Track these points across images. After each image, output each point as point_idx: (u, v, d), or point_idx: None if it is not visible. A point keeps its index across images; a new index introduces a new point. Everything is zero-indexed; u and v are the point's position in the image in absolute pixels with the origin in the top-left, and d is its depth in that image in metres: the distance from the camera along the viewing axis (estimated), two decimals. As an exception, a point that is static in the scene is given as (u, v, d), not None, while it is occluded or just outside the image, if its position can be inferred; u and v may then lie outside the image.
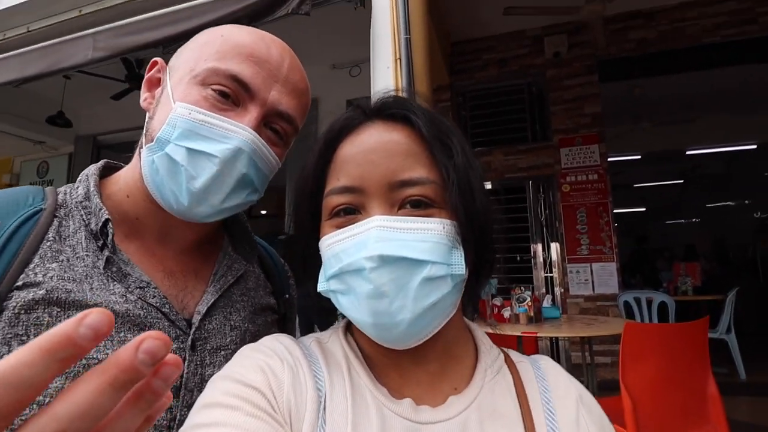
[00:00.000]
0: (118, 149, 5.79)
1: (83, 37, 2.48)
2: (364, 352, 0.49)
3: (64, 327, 0.17)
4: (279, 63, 0.58)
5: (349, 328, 0.53)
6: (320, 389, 0.44)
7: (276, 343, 0.48)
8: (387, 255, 0.41)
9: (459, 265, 0.44)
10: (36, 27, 2.68)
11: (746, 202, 9.66)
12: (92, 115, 5.37)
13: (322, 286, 0.48)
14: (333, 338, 0.52)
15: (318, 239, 0.50)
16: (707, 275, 5.50)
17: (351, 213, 0.46)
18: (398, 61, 1.71)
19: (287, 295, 0.76)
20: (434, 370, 0.48)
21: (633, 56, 4.41)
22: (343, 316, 0.55)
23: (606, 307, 4.06)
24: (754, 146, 7.22)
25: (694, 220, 10.91)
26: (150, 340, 0.18)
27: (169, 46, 2.95)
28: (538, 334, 2.12)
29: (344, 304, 0.45)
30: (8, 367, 0.16)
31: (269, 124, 0.59)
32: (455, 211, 0.44)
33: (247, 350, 0.48)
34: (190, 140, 0.54)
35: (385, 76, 1.73)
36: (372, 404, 0.44)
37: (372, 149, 0.46)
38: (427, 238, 0.43)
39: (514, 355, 0.54)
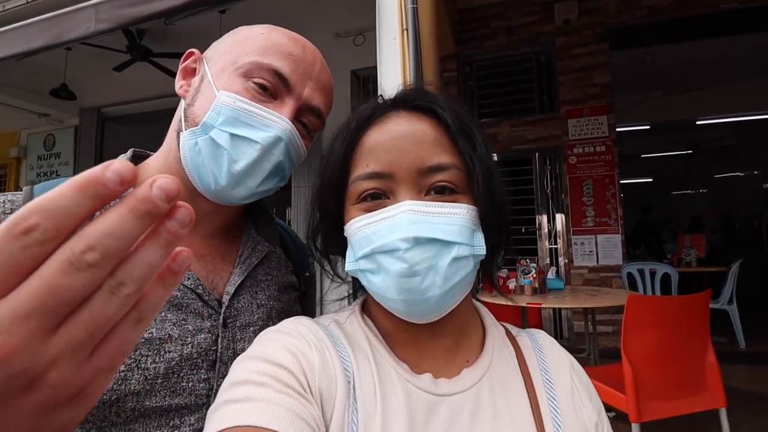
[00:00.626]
0: (123, 121, 5.77)
1: (85, 9, 2.44)
2: (382, 330, 0.52)
3: (93, 170, 0.19)
4: (312, 63, 0.64)
5: (365, 309, 0.56)
6: (347, 369, 0.47)
7: (299, 326, 0.50)
8: (420, 236, 0.44)
9: (480, 246, 0.48)
10: (35, -2, 2.64)
11: (755, 172, 9.54)
12: (95, 87, 5.32)
13: (350, 266, 0.50)
14: (350, 319, 0.54)
15: (340, 221, 0.53)
16: (712, 247, 5.52)
17: (378, 198, 0.48)
18: (405, 32, 1.68)
19: (307, 273, 0.80)
20: (448, 344, 0.51)
21: (644, 24, 4.28)
22: (358, 297, 0.59)
23: (610, 278, 4.11)
24: (766, 116, 7.07)
25: (701, 191, 10.82)
26: (162, 178, 0.20)
27: (171, 17, 2.90)
28: (543, 305, 2.17)
29: (375, 281, 0.48)
30: (47, 197, 0.18)
31: (299, 117, 0.63)
32: (477, 196, 0.48)
33: (270, 332, 0.50)
34: (234, 126, 0.58)
35: (391, 47, 1.70)
36: (397, 381, 0.47)
37: (401, 137, 0.48)
38: (454, 222, 0.46)
39: (512, 329, 0.59)
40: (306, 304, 0.80)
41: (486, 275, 0.54)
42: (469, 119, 0.51)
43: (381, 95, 0.55)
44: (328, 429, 0.43)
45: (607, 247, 4.13)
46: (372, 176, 0.48)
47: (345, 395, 0.45)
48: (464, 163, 0.48)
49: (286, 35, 0.64)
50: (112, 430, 0.52)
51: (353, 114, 0.54)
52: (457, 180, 0.48)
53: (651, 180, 10.64)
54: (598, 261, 4.15)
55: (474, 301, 0.58)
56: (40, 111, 5.45)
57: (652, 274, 4.14)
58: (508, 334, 0.57)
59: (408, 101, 0.52)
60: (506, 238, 0.53)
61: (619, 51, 4.35)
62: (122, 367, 0.51)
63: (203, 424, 0.55)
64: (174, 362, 0.55)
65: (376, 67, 1.66)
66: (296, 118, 0.62)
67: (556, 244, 4.33)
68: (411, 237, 0.44)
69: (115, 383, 0.51)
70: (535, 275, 2.48)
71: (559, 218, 4.32)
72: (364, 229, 0.47)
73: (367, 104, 0.54)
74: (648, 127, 7.40)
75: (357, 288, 0.59)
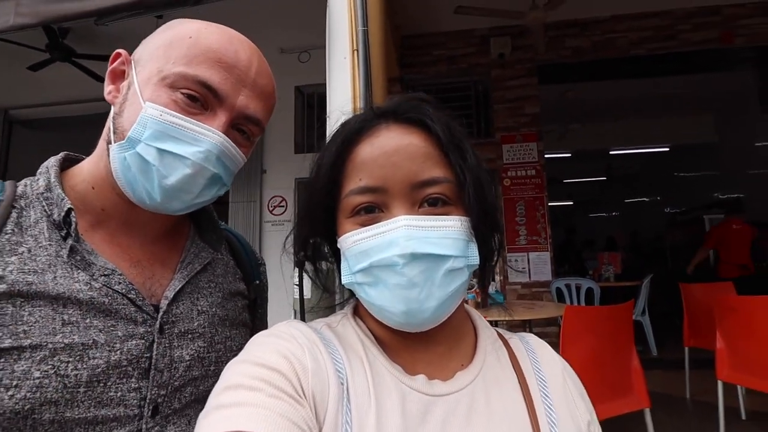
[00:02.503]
0: (34, 126, 5.23)
1: (4, 0, 2.22)
2: (375, 336, 0.52)
3: None
4: (247, 67, 0.59)
5: (357, 314, 0.56)
6: (340, 372, 0.47)
7: (292, 329, 0.50)
8: (417, 252, 0.45)
9: (474, 256, 0.49)
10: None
11: (658, 198, 10.78)
12: (4, 85, 4.79)
13: (347, 279, 0.50)
14: (343, 322, 0.54)
15: (330, 233, 0.53)
16: (625, 264, 6.09)
17: (372, 211, 0.49)
18: (355, 52, 1.72)
19: (257, 281, 0.78)
20: (442, 351, 0.52)
21: (568, 62, 4.75)
22: (350, 302, 0.58)
23: (540, 293, 4.38)
24: (667, 148, 8.08)
25: (614, 213, 11.99)
26: None
27: (104, 18, 2.71)
28: (488, 318, 2.25)
29: (372, 294, 0.48)
30: None
31: (237, 126, 0.60)
32: (469, 208, 0.49)
33: (262, 336, 0.49)
34: (161, 141, 0.54)
35: (342, 67, 1.72)
36: (391, 382, 0.47)
37: (393, 151, 0.48)
38: (448, 235, 0.47)
39: (504, 332, 0.60)
40: (256, 314, 0.77)
41: (479, 284, 0.56)
42: (458, 131, 0.51)
43: (371, 106, 0.54)
44: (322, 427, 0.43)
45: (538, 264, 4.42)
46: (365, 191, 0.48)
47: (338, 397, 0.45)
48: (455, 175, 0.49)
49: (218, 36, 0.59)
50: None
51: (342, 126, 0.53)
52: (449, 192, 0.48)
53: (572, 203, 11.60)
54: (530, 277, 4.41)
55: (465, 306, 0.59)
56: (-67, 110, 4.79)
57: (578, 288, 4.47)
58: (500, 336, 0.58)
59: (398, 113, 0.51)
60: (498, 246, 0.55)
61: (546, 85, 4.77)
62: (36, 374, 0.47)
63: None
64: (99, 369, 0.51)
65: (320, 84, 1.67)
66: (233, 126, 0.60)
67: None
68: (408, 253, 0.44)
69: (29, 391, 0.47)
70: (477, 290, 2.57)
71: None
72: (361, 244, 0.48)
73: (355, 116, 0.54)
74: (569, 154, 8.13)
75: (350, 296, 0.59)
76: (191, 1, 2.04)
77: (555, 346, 1.80)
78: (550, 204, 4.60)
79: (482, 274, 0.55)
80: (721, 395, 2.44)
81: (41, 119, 5.15)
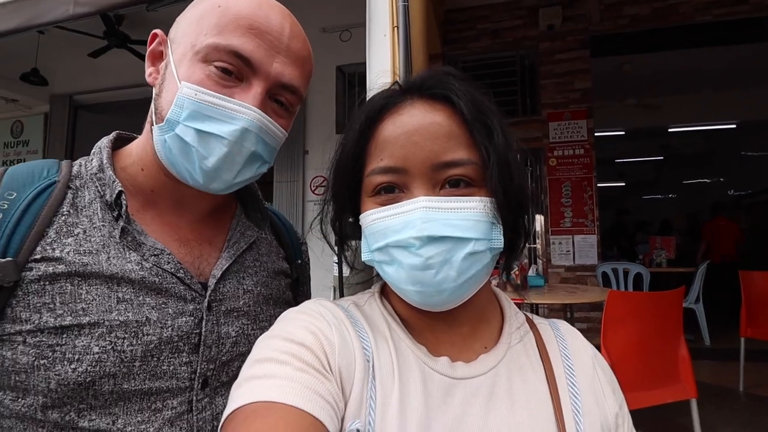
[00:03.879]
0: (96, 110, 5.57)
1: (64, -10, 2.35)
2: (400, 316, 0.53)
3: None
4: (279, 32, 0.58)
5: (384, 293, 0.57)
6: (366, 349, 0.48)
7: (320, 307, 0.51)
8: (434, 235, 0.44)
9: (498, 239, 0.48)
10: (9, -23, 2.53)
11: (721, 179, 9.99)
12: (68, 73, 5.13)
13: (366, 256, 0.51)
14: (370, 301, 0.55)
15: (354, 210, 0.54)
16: (681, 249, 5.76)
17: (392, 191, 0.48)
18: (395, 29, 1.69)
19: (299, 261, 0.79)
20: (466, 332, 0.52)
21: (625, 32, 4.42)
22: (377, 281, 0.59)
23: (585, 277, 4.24)
24: (734, 125, 7.42)
25: (670, 195, 11.25)
26: None
27: (154, 3, 2.82)
28: (525, 301, 2.22)
29: (389, 272, 0.49)
30: None
31: (274, 96, 0.59)
32: (494, 189, 0.47)
33: (292, 312, 0.51)
34: (198, 121, 0.55)
35: (381, 44, 1.70)
36: (414, 363, 0.48)
37: (415, 130, 0.47)
38: (469, 217, 0.46)
39: (535, 318, 0.59)
40: (299, 291, 0.79)
41: (505, 268, 0.55)
42: (486, 106, 0.49)
43: (397, 81, 0.53)
44: (347, 405, 0.44)
45: (583, 247, 4.26)
46: (386, 171, 0.47)
47: (364, 374, 0.46)
48: (480, 155, 0.47)
49: (247, 3, 0.57)
50: (91, 413, 0.51)
51: (366, 104, 0.52)
52: (473, 173, 0.47)
53: (624, 184, 10.99)
54: (574, 260, 4.27)
55: (494, 288, 0.58)
56: (9, 96, 5.21)
57: (626, 273, 4.29)
58: (529, 321, 0.57)
59: (423, 88, 0.50)
60: (525, 228, 0.52)
61: (598, 58, 4.48)
62: (96, 349, 0.50)
63: (186, 407, 0.56)
64: (153, 345, 0.54)
65: (361, 63, 1.66)
66: (270, 96, 0.59)
67: (535, 243, 4.43)
68: (425, 236, 0.44)
69: (89, 365, 0.50)
70: (516, 272, 2.53)
71: (539, 219, 4.42)
72: (378, 223, 0.48)
73: (380, 92, 0.52)
74: (623, 132, 7.65)
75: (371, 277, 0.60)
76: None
77: (598, 331, 1.77)
78: (599, 185, 4.39)
79: (508, 258, 0.53)
80: (779, 389, 2.29)
81: (102, 103, 5.47)
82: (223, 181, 0.58)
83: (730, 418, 2.64)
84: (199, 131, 0.55)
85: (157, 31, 0.62)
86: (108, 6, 2.28)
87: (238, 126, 0.55)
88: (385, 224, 0.47)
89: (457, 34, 4.73)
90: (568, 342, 0.55)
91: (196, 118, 0.55)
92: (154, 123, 0.59)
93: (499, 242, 0.48)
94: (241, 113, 0.55)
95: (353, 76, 4.70)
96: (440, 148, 0.46)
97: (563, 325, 0.59)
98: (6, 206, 0.53)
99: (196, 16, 0.58)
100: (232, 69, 0.55)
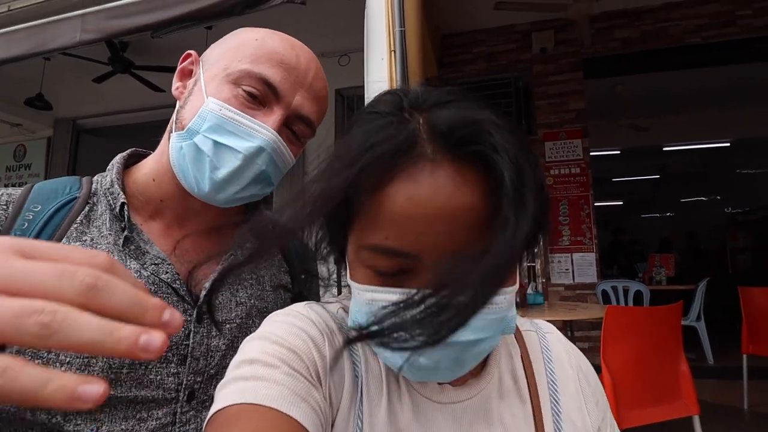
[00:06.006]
0: (99, 134, 5.65)
1: (71, 19, 2.43)
2: None
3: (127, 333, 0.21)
4: (306, 71, 0.63)
5: None
6: (356, 364, 0.46)
7: (310, 312, 0.48)
8: (449, 341, 0.34)
9: (513, 317, 0.42)
10: (18, 6, 2.61)
11: (718, 197, 10.05)
12: (72, 97, 5.22)
13: (355, 327, 0.42)
14: None
15: (337, 241, 0.47)
16: (680, 267, 5.75)
17: (396, 275, 0.40)
18: (393, 53, 1.75)
19: (303, 276, 0.80)
20: None
21: (616, 54, 4.54)
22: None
23: (585, 295, 4.22)
24: (728, 143, 7.52)
25: (668, 214, 11.29)
26: (153, 342, 0.21)
27: (159, 31, 2.90)
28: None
29: (385, 354, 0.43)
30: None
31: (290, 125, 0.64)
32: (518, 272, 0.41)
33: (281, 315, 0.48)
34: (217, 134, 0.58)
35: (379, 68, 1.76)
36: (404, 387, 0.47)
37: (439, 217, 0.36)
38: (491, 315, 0.38)
39: (522, 323, 0.56)
40: None
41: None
42: (528, 171, 0.36)
43: (412, 109, 0.40)
44: (335, 418, 0.43)
45: (582, 266, 4.26)
46: (393, 254, 0.38)
47: (352, 391, 0.45)
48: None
49: (282, 41, 0.63)
50: (77, 418, 0.52)
51: (366, 140, 0.38)
52: None
53: (621, 203, 11.04)
54: (574, 279, 4.26)
55: None
56: (13, 121, 5.29)
57: (626, 291, 4.28)
58: (517, 331, 0.54)
59: (452, 140, 0.37)
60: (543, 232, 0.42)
61: (592, 80, 4.59)
62: (85, 354, 0.51)
63: (171, 419, 0.56)
64: None
65: (359, 86, 1.71)
66: (285, 125, 0.63)
67: (534, 262, 4.43)
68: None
69: (78, 369, 0.52)
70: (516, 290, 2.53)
71: (537, 237, 4.44)
72: (378, 304, 0.40)
73: (394, 126, 0.38)
74: (618, 152, 7.74)
75: None
76: (237, 11, 2.17)
77: (599, 350, 1.76)
78: (596, 204, 4.43)
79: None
80: (783, 407, 2.26)
81: (106, 127, 5.56)
82: (226, 193, 0.61)
83: (736, 438, 2.60)
84: (216, 143, 0.58)
85: (192, 51, 0.67)
86: (114, 33, 2.36)
87: (255, 144, 0.59)
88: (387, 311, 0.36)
89: (453, 57, 4.85)
90: (553, 353, 0.54)
91: (216, 131, 0.58)
92: (174, 131, 0.62)
93: (511, 327, 0.42)
94: (259, 133, 0.59)
95: (352, 99, 4.79)
96: (464, 239, 0.37)
97: (549, 332, 0.57)
98: (31, 217, 0.57)
99: (234, 44, 0.63)
100: (257, 94, 0.60)
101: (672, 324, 1.89)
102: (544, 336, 0.56)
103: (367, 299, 0.41)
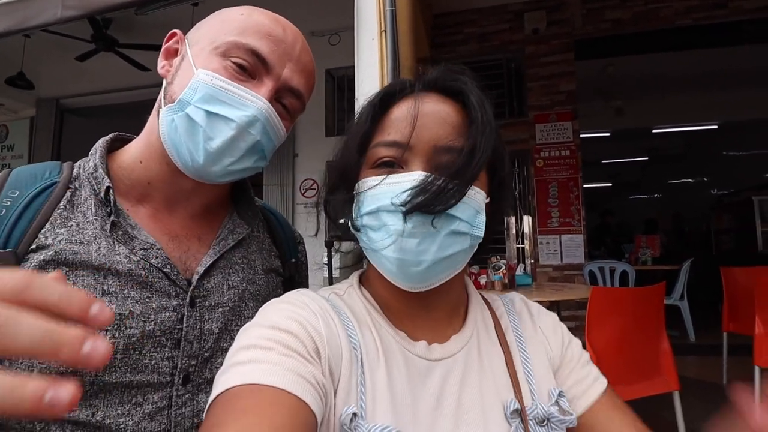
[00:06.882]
0: (84, 114, 5.52)
1: (52, -6, 2.35)
2: (379, 301, 0.55)
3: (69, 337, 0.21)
4: (292, 44, 0.63)
5: (362, 282, 0.60)
6: (352, 337, 0.50)
7: (303, 297, 0.52)
8: None
9: (480, 228, 0.51)
10: (-4, -19, 2.51)
11: (704, 179, 10.20)
12: (55, 76, 5.07)
13: (355, 222, 0.54)
14: (349, 291, 0.58)
15: (349, 186, 0.55)
16: (666, 248, 5.87)
17: (392, 166, 0.51)
18: (383, 33, 1.72)
19: (294, 260, 0.81)
20: (440, 316, 0.56)
21: (608, 36, 4.53)
22: (355, 272, 0.62)
23: (572, 275, 4.31)
24: (715, 126, 7.60)
25: (656, 195, 11.46)
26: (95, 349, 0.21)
27: (143, 7, 2.81)
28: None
29: (374, 238, 0.50)
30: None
31: (280, 99, 0.63)
32: (484, 182, 0.52)
33: (275, 302, 0.51)
34: (209, 104, 0.57)
35: (369, 48, 1.74)
36: (396, 348, 0.52)
37: (425, 113, 0.51)
38: (467, 201, 0.49)
39: (487, 296, 0.66)
40: (293, 288, 0.81)
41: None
42: (489, 112, 0.52)
43: (417, 72, 0.57)
44: (336, 392, 0.46)
45: (570, 247, 4.33)
46: (391, 144, 0.51)
47: (351, 361, 0.48)
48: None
49: (267, 16, 0.63)
50: None
51: (381, 88, 0.56)
52: None
53: (611, 185, 11.16)
54: (562, 260, 4.34)
55: (465, 277, 0.62)
56: (-6, 100, 5.15)
57: (612, 272, 4.37)
58: (485, 299, 0.64)
59: (438, 83, 0.54)
60: (499, 226, 0.58)
61: (583, 61, 4.58)
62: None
63: (167, 402, 0.57)
64: (135, 338, 0.55)
65: (350, 66, 1.69)
66: (276, 99, 0.62)
67: (523, 243, 4.49)
68: None
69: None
70: (504, 271, 2.58)
71: (527, 219, 4.49)
72: (376, 189, 0.50)
73: (398, 80, 0.57)
74: (608, 134, 7.79)
75: (362, 258, 0.62)
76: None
77: (584, 328, 1.81)
78: (586, 186, 4.47)
79: (478, 249, 0.56)
80: (758, 381, 2.37)
81: (90, 107, 5.43)
82: (221, 165, 0.60)
83: (713, 410, 2.71)
84: (209, 113, 0.57)
85: (177, 30, 0.66)
86: (96, 9, 2.28)
87: (248, 113, 0.58)
88: (381, 190, 0.49)
89: (445, 37, 4.79)
90: (517, 310, 0.63)
91: (208, 101, 0.58)
92: (163, 106, 0.61)
93: (480, 230, 0.51)
94: (252, 102, 0.59)
95: (342, 79, 4.73)
96: (445, 133, 0.50)
97: (516, 298, 0.66)
98: (9, 203, 0.56)
99: (219, 20, 0.63)
100: (247, 66, 0.60)
101: (654, 304, 1.95)
102: (510, 300, 0.66)
103: (371, 185, 0.51)
